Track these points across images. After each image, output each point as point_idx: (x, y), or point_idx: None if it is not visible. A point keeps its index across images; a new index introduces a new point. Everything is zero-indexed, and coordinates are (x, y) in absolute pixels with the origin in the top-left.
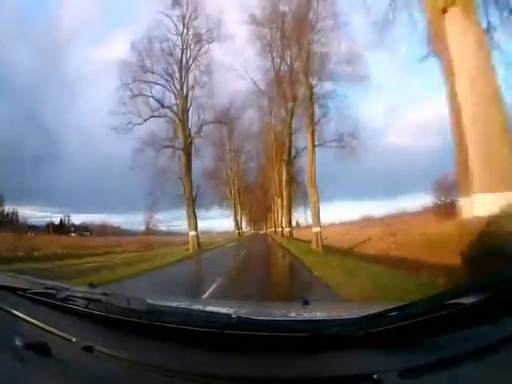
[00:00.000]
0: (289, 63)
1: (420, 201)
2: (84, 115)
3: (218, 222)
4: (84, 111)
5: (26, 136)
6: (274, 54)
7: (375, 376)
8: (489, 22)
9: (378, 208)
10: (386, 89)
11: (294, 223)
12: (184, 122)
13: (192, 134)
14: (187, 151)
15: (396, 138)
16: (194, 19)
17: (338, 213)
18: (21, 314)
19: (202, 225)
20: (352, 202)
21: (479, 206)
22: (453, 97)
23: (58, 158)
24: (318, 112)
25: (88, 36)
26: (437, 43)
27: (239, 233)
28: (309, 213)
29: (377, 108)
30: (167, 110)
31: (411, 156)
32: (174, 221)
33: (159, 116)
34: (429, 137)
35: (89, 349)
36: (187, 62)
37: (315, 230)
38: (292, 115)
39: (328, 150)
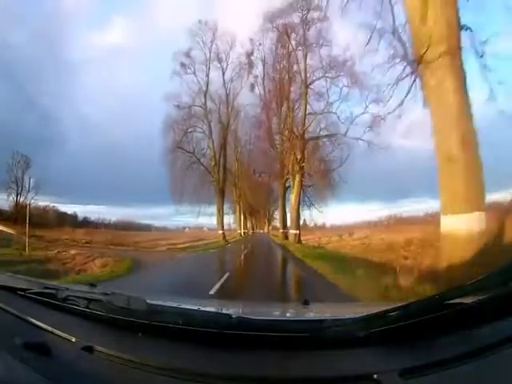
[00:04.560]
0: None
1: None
2: (84, 101)
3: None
4: (83, 97)
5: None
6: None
7: (375, 376)
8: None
9: (379, 211)
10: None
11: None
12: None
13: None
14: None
15: (400, 139)
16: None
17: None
18: (21, 314)
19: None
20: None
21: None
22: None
23: (55, 144)
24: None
25: (87, 20)
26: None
27: None
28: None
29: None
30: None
31: (414, 158)
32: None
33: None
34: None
35: (89, 349)
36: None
37: None
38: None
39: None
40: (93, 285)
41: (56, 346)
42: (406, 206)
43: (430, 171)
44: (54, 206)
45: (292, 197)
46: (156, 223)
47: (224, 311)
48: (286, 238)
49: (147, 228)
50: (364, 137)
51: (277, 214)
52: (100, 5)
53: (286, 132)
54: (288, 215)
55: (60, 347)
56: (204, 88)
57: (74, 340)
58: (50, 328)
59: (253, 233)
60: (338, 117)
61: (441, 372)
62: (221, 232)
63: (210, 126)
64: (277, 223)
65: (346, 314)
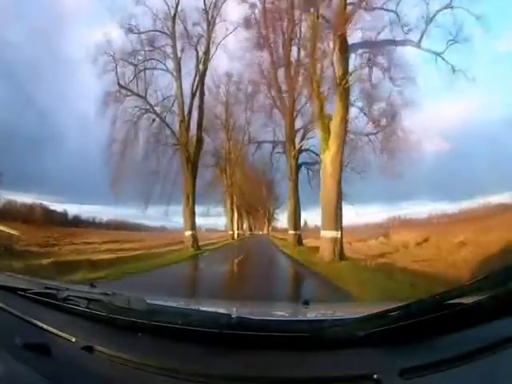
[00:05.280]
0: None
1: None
2: (82, 99)
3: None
4: (82, 95)
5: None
6: None
7: (375, 376)
8: None
9: (377, 214)
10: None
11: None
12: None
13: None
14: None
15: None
16: None
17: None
18: (21, 314)
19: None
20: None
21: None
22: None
23: (54, 142)
24: None
25: (88, 18)
26: None
27: None
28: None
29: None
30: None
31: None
32: None
33: None
34: (435, 141)
35: (89, 349)
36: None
37: None
38: None
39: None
40: (93, 285)
41: (56, 346)
42: (406, 209)
43: (432, 173)
44: (41, 204)
45: (326, 158)
46: (155, 223)
47: (224, 311)
48: (299, 243)
49: (145, 228)
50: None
51: (278, 213)
52: (100, 2)
53: (309, 44)
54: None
55: (60, 347)
56: (172, 11)
57: (74, 340)
58: (50, 328)
59: (251, 234)
60: (397, 14)
61: (441, 372)
62: (189, 233)
63: (177, 61)
64: (277, 224)
65: (346, 314)
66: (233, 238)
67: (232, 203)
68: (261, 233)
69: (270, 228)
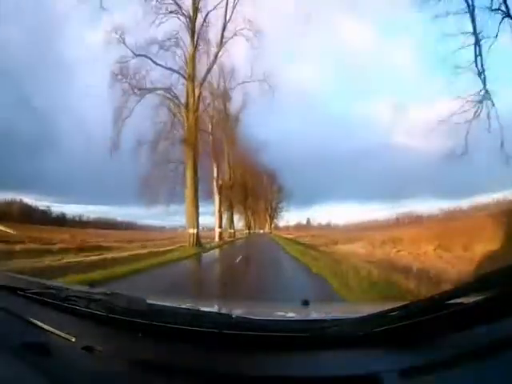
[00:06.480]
0: None
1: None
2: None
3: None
4: (80, 95)
5: (20, 121)
6: None
7: (375, 376)
8: None
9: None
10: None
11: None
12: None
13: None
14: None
15: (402, 137)
16: None
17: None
18: (21, 314)
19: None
20: (351, 203)
21: None
22: None
23: (52, 144)
24: None
25: (84, 16)
26: None
27: None
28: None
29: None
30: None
31: (417, 157)
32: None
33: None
34: (437, 138)
35: (89, 349)
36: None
37: None
38: None
39: None
40: (93, 285)
41: (56, 346)
42: (405, 207)
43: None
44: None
45: None
46: (155, 223)
47: (224, 311)
48: None
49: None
50: None
51: (282, 210)
52: (96, 1)
53: None
54: None
55: (60, 347)
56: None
57: (74, 340)
58: (50, 328)
59: (249, 233)
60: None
61: (441, 372)
62: None
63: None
64: (280, 223)
65: (346, 313)
66: (194, 244)
67: (195, 169)
68: (261, 231)
69: (273, 226)
